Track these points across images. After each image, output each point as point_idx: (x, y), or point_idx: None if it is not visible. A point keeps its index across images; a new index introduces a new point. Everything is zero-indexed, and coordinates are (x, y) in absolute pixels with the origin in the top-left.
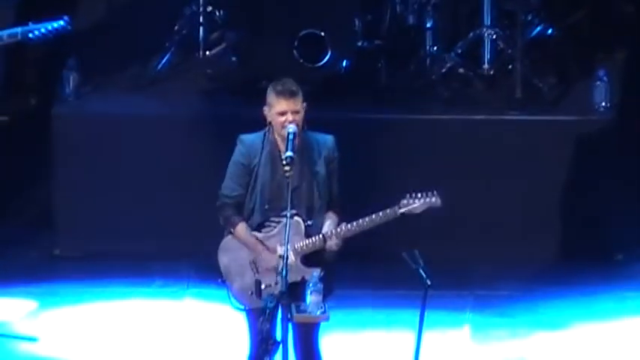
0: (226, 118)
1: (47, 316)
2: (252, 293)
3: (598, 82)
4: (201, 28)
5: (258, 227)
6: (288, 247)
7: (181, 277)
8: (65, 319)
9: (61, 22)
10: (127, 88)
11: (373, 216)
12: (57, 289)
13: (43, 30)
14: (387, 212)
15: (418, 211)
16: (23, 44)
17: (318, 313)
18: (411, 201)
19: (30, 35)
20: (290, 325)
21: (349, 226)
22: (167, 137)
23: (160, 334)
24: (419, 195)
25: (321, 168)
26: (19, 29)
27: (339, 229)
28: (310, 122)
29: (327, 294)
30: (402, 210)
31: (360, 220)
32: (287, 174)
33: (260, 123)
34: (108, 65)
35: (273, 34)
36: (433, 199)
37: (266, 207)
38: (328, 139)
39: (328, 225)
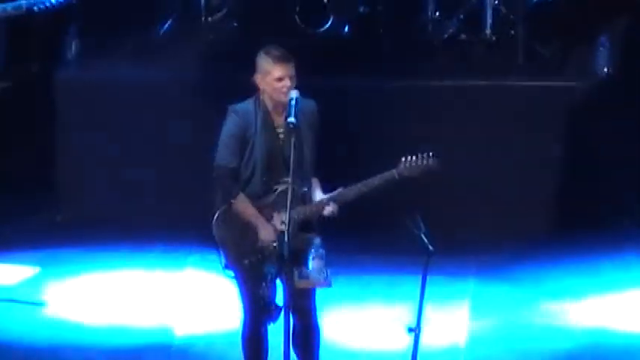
0: (228, 84)
1: (50, 282)
2: (249, 262)
3: (600, 48)
4: None
5: (257, 196)
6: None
7: (183, 244)
8: (67, 285)
9: None
10: (128, 53)
11: (370, 180)
12: (59, 255)
13: (47, 4)
14: (384, 175)
15: (415, 174)
16: None
17: (321, 279)
18: (407, 164)
19: (35, 8)
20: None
21: (347, 190)
22: (169, 103)
23: (160, 299)
24: (416, 158)
25: (307, 134)
26: (24, 2)
27: (336, 194)
28: (311, 88)
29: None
30: (400, 173)
31: (358, 185)
32: (283, 140)
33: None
34: (110, 31)
35: None
36: (430, 162)
37: (264, 179)
38: (311, 105)
39: (318, 191)
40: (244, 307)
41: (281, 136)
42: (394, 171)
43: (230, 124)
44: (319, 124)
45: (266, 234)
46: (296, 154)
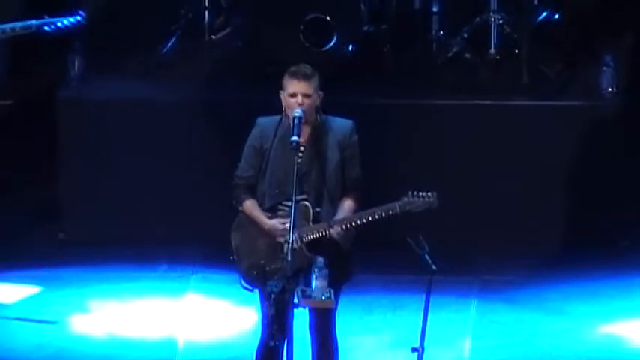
0: (231, 102)
1: (52, 301)
2: (256, 273)
3: (604, 68)
4: (206, 13)
5: (269, 211)
6: (294, 231)
7: (187, 263)
8: (70, 304)
9: (78, 17)
10: (132, 72)
11: (373, 210)
12: (62, 273)
13: (58, 24)
14: (387, 208)
15: (417, 210)
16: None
17: (324, 298)
18: (411, 199)
19: (45, 28)
20: (307, 312)
21: (352, 217)
22: (172, 121)
23: (165, 317)
24: (420, 194)
25: (333, 154)
26: (33, 22)
27: (341, 219)
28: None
29: (344, 280)
30: (401, 207)
31: (361, 213)
32: (295, 157)
33: (265, 107)
34: (113, 49)
35: (279, 18)
36: (432, 200)
37: (276, 192)
38: (345, 125)
39: (340, 212)
40: (263, 325)
41: (295, 153)
42: (397, 204)
43: (250, 136)
44: (356, 144)
45: (272, 231)
46: (312, 173)
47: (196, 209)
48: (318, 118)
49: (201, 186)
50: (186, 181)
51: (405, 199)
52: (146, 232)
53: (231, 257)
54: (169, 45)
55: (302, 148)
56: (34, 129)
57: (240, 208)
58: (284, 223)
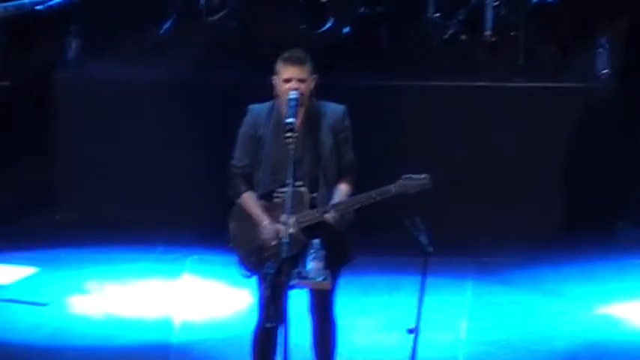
0: (228, 84)
1: (48, 282)
2: (254, 259)
3: (600, 49)
4: None
5: (265, 197)
6: (289, 216)
7: (183, 244)
8: (66, 285)
9: None
10: (128, 54)
11: (369, 193)
12: (59, 254)
13: (51, 3)
14: (382, 190)
15: (411, 192)
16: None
17: (319, 279)
18: (407, 182)
19: (38, 7)
20: (308, 293)
21: (348, 200)
22: (169, 103)
23: (161, 299)
24: (413, 177)
25: (326, 138)
26: (26, 1)
27: (337, 202)
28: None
29: (343, 262)
30: (397, 190)
31: (357, 197)
32: (289, 140)
33: (262, 89)
34: (110, 31)
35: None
36: (425, 182)
37: (271, 178)
38: (338, 109)
39: (336, 196)
40: (258, 304)
41: (288, 134)
42: (392, 187)
43: (243, 124)
44: (348, 129)
45: (266, 234)
46: (307, 158)
47: (193, 191)
48: (312, 103)
49: (198, 167)
50: (183, 163)
51: (400, 181)
52: (143, 213)
53: (229, 244)
54: (166, 26)
55: (296, 134)
56: (32, 110)
57: (238, 200)
58: (277, 231)
